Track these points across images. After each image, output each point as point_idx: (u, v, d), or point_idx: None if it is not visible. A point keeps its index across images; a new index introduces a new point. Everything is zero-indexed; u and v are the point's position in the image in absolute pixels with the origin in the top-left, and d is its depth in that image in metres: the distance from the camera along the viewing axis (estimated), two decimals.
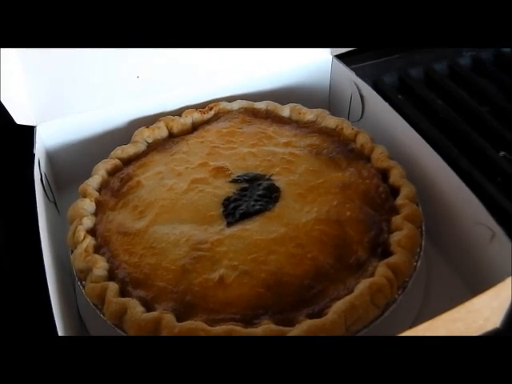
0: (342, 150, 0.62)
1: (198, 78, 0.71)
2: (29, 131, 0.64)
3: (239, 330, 0.45)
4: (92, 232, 0.56)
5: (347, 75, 0.73)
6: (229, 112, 0.69)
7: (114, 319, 0.48)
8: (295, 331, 0.44)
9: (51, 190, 0.63)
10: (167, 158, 0.63)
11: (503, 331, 0.42)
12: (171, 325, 0.45)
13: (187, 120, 0.69)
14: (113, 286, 0.49)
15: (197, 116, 0.69)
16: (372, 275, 0.49)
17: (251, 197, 0.56)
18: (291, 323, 0.46)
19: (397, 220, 0.53)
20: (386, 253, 0.51)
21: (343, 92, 0.75)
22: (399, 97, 0.83)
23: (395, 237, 0.52)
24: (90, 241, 0.54)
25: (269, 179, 0.58)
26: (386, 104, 0.67)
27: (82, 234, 0.54)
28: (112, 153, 0.65)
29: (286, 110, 0.70)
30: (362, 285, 0.47)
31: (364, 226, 0.53)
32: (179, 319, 0.46)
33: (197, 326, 0.45)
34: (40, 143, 0.65)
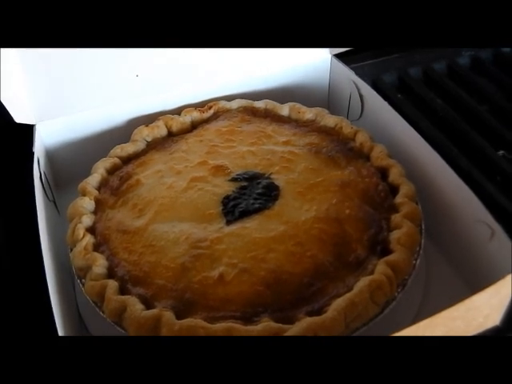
0: (342, 148, 0.62)
1: (197, 77, 0.71)
2: (28, 130, 0.64)
3: (239, 327, 0.45)
4: (91, 230, 0.56)
5: (346, 74, 0.73)
6: (228, 111, 0.70)
7: (113, 317, 0.48)
8: (295, 329, 0.44)
9: (50, 188, 0.63)
10: (166, 156, 0.63)
11: (503, 329, 0.42)
12: (171, 322, 0.45)
13: (186, 119, 0.69)
14: (112, 284, 0.49)
15: (196, 115, 0.69)
16: (371, 273, 0.49)
17: (250, 195, 0.56)
18: (291, 321, 0.46)
19: (396, 218, 0.53)
20: (386, 251, 0.51)
21: (342, 91, 0.75)
22: (398, 96, 0.83)
23: (395, 235, 0.52)
24: (89, 239, 0.54)
25: (268, 178, 0.58)
26: (386, 103, 0.67)
27: (81, 232, 0.54)
28: (111, 151, 0.65)
29: (285, 109, 0.70)
30: (362, 282, 0.47)
31: (363, 224, 0.53)
32: (179, 317, 0.46)
33: (196, 323, 0.45)
34: (39, 142, 0.65)
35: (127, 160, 0.64)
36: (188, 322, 0.45)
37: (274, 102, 0.70)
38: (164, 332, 0.45)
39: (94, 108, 0.68)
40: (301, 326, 0.44)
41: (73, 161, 0.69)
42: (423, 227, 0.54)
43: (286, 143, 0.63)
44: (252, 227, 0.53)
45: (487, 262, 0.51)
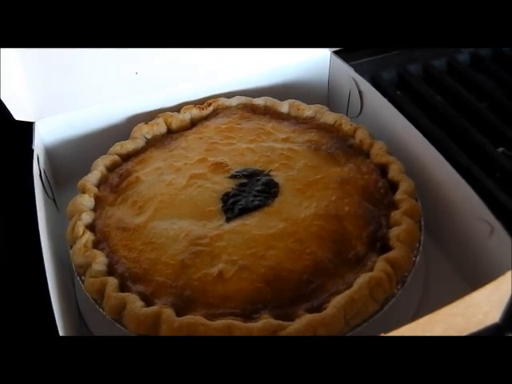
0: (341, 145, 0.62)
1: (196, 75, 0.71)
2: (27, 127, 0.64)
3: (239, 324, 0.45)
4: (91, 227, 0.56)
5: (346, 71, 0.73)
6: (227, 108, 0.70)
7: (113, 314, 0.48)
8: (295, 326, 0.44)
9: (50, 186, 0.63)
10: (166, 153, 0.63)
11: (502, 326, 0.42)
12: (171, 319, 0.45)
13: (186, 116, 0.69)
14: (112, 281, 0.49)
15: (195, 112, 0.69)
16: (371, 270, 0.49)
17: (250, 192, 0.56)
18: (290, 318, 0.46)
19: (396, 215, 0.53)
20: (385, 248, 0.51)
21: (342, 88, 0.75)
22: (398, 93, 0.83)
23: (394, 231, 0.52)
24: (89, 236, 0.54)
25: (267, 175, 0.58)
26: (385, 100, 0.66)
27: (81, 229, 0.54)
28: (111, 149, 0.65)
29: (284, 106, 0.70)
30: (361, 279, 0.47)
31: (363, 220, 0.53)
32: (179, 314, 0.46)
33: (196, 320, 0.45)
34: (39, 139, 0.65)
35: (127, 157, 0.64)
36: (188, 319, 0.45)
37: (274, 99, 0.70)
38: (164, 329, 0.45)
39: (94, 105, 0.68)
40: (300, 322, 0.44)
41: (72, 158, 0.69)
42: (423, 224, 0.54)
43: (285, 140, 0.63)
44: (251, 224, 0.53)
45: (487, 258, 0.51)
